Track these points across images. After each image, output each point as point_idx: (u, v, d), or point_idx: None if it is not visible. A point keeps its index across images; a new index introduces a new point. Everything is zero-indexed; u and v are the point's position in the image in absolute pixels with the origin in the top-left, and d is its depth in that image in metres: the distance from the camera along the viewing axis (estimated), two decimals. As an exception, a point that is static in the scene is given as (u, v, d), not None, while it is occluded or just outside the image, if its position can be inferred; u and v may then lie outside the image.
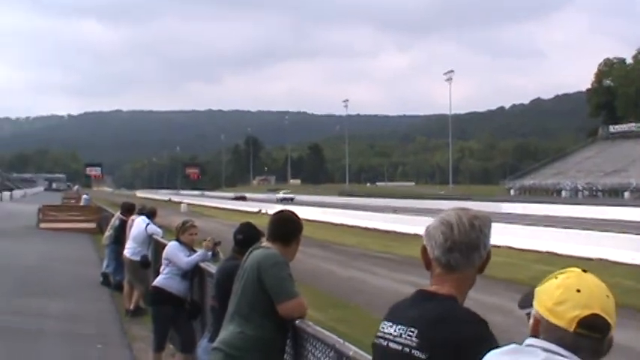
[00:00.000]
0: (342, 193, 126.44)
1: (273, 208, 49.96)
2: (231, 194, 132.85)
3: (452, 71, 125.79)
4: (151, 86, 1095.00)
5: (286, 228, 4.97)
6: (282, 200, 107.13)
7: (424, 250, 2.61)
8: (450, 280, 2.54)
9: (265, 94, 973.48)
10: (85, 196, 57.83)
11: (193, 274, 8.94)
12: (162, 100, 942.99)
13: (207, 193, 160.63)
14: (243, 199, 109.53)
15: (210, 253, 8.88)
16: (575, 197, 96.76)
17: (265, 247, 4.90)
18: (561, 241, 26.80)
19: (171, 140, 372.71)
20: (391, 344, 2.52)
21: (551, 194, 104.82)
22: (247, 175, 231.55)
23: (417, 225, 37.23)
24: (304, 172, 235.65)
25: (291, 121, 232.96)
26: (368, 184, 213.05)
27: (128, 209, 16.43)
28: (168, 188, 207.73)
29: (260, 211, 61.47)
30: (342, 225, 45.23)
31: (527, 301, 2.31)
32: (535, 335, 2.07)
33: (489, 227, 2.62)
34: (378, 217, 45.66)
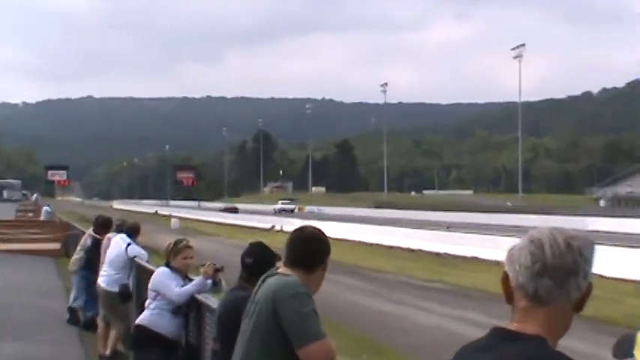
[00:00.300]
0: (378, 205, 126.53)
1: (291, 224, 50.01)
2: (233, 205, 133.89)
3: (522, 45, 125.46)
4: (131, 67, 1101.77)
5: (310, 250, 4.94)
6: (281, 211, 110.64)
7: (505, 277, 2.52)
8: (537, 316, 2.45)
9: (280, 76, 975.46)
10: (46, 208, 58.07)
11: (188, 309, 8.97)
12: (147, 84, 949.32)
13: (204, 204, 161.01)
14: (234, 210, 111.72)
15: (209, 281, 8.90)
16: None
17: (282, 273, 4.90)
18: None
19: (158, 136, 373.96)
20: None
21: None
22: (257, 180, 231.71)
23: (475, 246, 37.19)
24: (330, 177, 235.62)
25: (313, 111, 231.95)
26: (412, 193, 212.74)
27: (103, 225, 16.47)
28: (154, 198, 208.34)
29: (273, 227, 61.61)
30: (378, 245, 45.33)
31: (624, 349, 2.25)
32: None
33: (592, 251, 2.52)
34: (424, 235, 45.58)
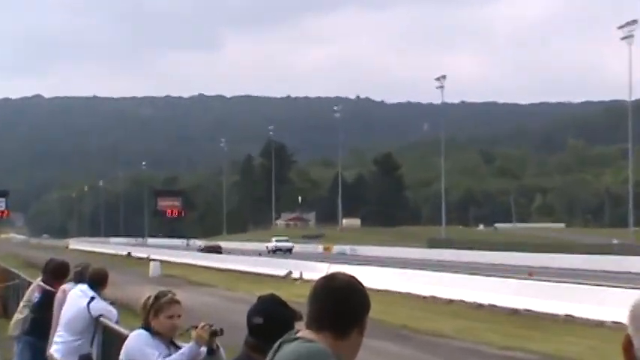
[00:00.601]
0: (433, 243, 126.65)
1: (315, 270, 49.98)
2: (239, 244, 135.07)
3: (633, 22, 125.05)
4: (96, 55, 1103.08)
5: (341, 305, 4.89)
6: (275, 251, 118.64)
7: (628, 344, 2.47)
8: None
9: (298, 68, 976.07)
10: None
11: (174, 388, 8.98)
12: (117, 79, 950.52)
13: (195, 242, 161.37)
14: (218, 251, 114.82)
15: (204, 349, 8.91)
16: None
17: (304, 338, 4.89)
18: None
19: (132, 150, 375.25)
20: None
21: None
22: (267, 210, 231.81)
23: (568, 300, 37.08)
24: (368, 204, 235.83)
25: (343, 115, 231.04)
26: (481, 227, 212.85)
27: (56, 272, 16.48)
28: (126, 235, 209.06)
29: (290, 274, 61.68)
30: (433, 298, 45.45)
31: None
32: None
33: None
34: (497, 284, 45.56)
